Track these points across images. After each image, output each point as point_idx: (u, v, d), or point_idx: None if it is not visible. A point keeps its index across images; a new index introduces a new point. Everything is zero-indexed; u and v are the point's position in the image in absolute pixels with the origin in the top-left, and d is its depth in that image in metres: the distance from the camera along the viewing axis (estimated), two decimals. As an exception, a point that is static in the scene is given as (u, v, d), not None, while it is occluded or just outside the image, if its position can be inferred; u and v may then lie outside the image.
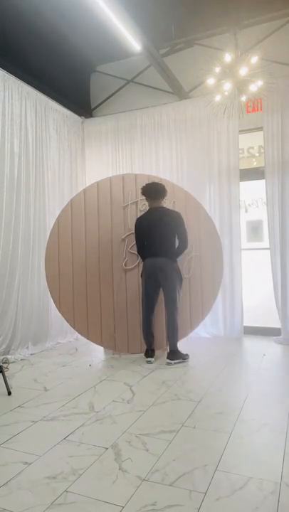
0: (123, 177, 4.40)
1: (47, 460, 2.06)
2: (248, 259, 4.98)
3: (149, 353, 3.90)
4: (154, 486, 1.81)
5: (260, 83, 3.64)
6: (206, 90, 4.19)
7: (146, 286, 3.92)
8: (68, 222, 4.20)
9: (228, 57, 3.55)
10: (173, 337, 3.83)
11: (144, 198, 4.13)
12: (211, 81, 3.71)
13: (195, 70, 4.43)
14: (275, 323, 4.64)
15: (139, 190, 4.11)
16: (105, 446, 2.19)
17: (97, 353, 4.24)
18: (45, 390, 3.15)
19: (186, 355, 3.86)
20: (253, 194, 5.26)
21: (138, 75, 5.49)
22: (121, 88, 5.62)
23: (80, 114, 5.55)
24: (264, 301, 4.80)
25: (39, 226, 4.60)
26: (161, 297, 3.97)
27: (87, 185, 5.04)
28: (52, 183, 4.88)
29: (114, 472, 1.93)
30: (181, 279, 3.92)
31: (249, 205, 5.37)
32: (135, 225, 4.01)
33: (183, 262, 4.17)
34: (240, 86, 3.68)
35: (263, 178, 4.67)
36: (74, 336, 4.82)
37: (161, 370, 3.61)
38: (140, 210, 4.25)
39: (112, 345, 4.14)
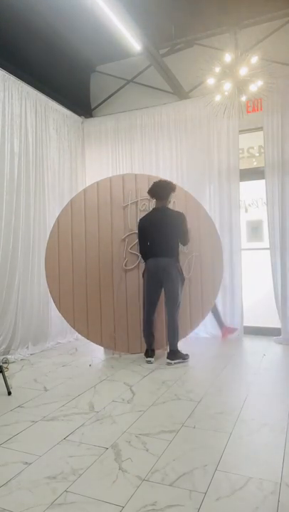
0: (123, 177, 4.40)
1: (47, 460, 2.06)
2: (248, 259, 4.98)
3: (149, 352, 3.89)
4: (154, 486, 1.81)
5: (260, 83, 3.65)
6: (206, 90, 4.19)
7: (149, 287, 3.91)
8: (68, 222, 4.20)
9: (228, 57, 3.56)
10: (173, 337, 3.83)
11: (144, 197, 4.13)
12: (211, 81, 3.72)
13: (195, 70, 4.42)
14: (275, 323, 4.64)
15: (139, 191, 4.10)
16: (105, 446, 2.19)
17: (97, 353, 4.24)
18: (45, 390, 3.15)
19: (186, 355, 3.86)
20: (253, 194, 5.26)
21: (138, 75, 5.49)
22: (121, 88, 5.62)
23: (80, 114, 5.55)
24: (264, 301, 4.80)
25: (39, 226, 4.60)
26: (162, 297, 3.97)
27: (87, 185, 5.04)
28: (52, 183, 4.88)
29: (114, 472, 1.93)
30: (183, 280, 3.92)
31: (249, 205, 5.37)
32: (138, 226, 4.00)
33: (183, 261, 4.17)
34: (240, 86, 3.68)
35: (263, 178, 4.67)
36: (74, 336, 4.82)
37: (161, 370, 3.61)
38: (140, 210, 4.25)
39: (112, 345, 4.14)
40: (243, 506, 1.65)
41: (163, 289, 3.90)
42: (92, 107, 5.82)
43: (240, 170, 4.80)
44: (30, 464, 2.03)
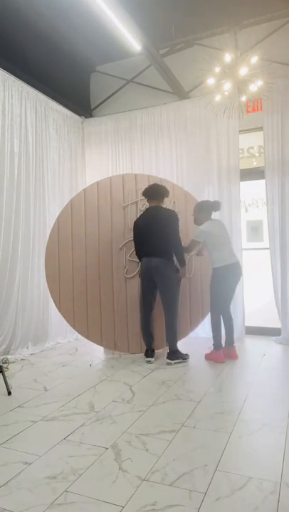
0: (123, 177, 4.40)
1: (47, 460, 2.06)
2: (248, 259, 4.98)
3: (149, 353, 3.90)
4: (154, 486, 1.81)
5: (260, 83, 3.64)
6: (206, 90, 4.19)
7: (143, 287, 3.94)
8: (68, 222, 4.20)
9: (228, 57, 3.56)
10: (172, 338, 3.83)
11: (144, 198, 4.12)
12: (211, 81, 3.71)
13: (195, 70, 4.42)
14: (275, 323, 4.64)
15: (139, 191, 4.10)
16: (105, 446, 2.19)
17: (97, 353, 4.24)
18: (45, 390, 3.15)
19: (186, 355, 3.86)
20: (253, 194, 5.26)
21: (138, 75, 5.49)
22: (121, 88, 5.62)
23: (80, 114, 5.55)
24: (264, 301, 4.80)
25: (39, 226, 4.60)
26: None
27: (87, 185, 5.04)
28: (52, 183, 4.88)
29: (114, 472, 1.93)
30: (179, 279, 3.90)
31: (249, 205, 5.37)
32: (133, 226, 4.01)
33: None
34: (240, 86, 3.68)
35: (263, 178, 4.67)
36: (74, 336, 4.82)
37: (161, 370, 3.61)
38: (140, 210, 4.25)
39: (112, 345, 4.14)
40: (243, 506, 1.65)
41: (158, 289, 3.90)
42: (92, 107, 5.82)
43: (240, 170, 4.79)
44: (30, 464, 2.03)
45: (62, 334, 4.82)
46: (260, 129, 4.69)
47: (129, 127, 5.33)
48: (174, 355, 3.79)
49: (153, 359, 3.86)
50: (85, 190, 4.38)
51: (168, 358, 3.79)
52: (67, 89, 5.28)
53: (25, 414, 2.67)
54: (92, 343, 4.18)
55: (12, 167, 4.23)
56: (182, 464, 1.98)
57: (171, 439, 2.26)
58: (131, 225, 4.16)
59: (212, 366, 3.68)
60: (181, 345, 3.93)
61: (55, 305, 4.16)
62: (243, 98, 3.83)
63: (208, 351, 3.95)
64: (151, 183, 4.09)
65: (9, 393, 3.01)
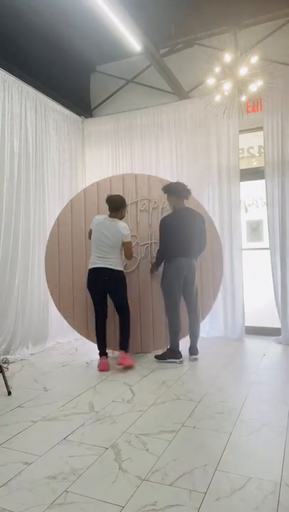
0: (123, 177, 4.40)
1: (47, 460, 2.06)
2: (248, 259, 4.98)
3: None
4: (154, 486, 1.82)
5: (260, 83, 3.64)
6: (206, 90, 4.19)
7: (176, 285, 3.83)
8: (68, 222, 4.20)
9: (228, 57, 3.56)
10: (198, 331, 3.98)
11: (144, 197, 4.12)
12: (211, 81, 3.71)
13: (195, 70, 4.43)
14: (275, 323, 4.64)
15: (139, 191, 4.09)
16: (105, 446, 2.20)
17: (97, 353, 4.23)
18: (45, 390, 3.15)
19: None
20: (253, 194, 5.26)
21: (138, 74, 5.49)
22: (121, 88, 5.62)
23: (79, 114, 5.55)
24: (264, 301, 4.80)
25: (39, 226, 4.60)
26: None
27: (87, 185, 5.04)
28: (52, 183, 4.88)
29: (114, 472, 1.93)
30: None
31: (249, 205, 5.37)
32: (165, 224, 3.87)
33: None
34: (240, 86, 3.68)
35: (263, 178, 4.67)
36: (74, 336, 4.82)
37: (161, 370, 3.61)
38: (140, 210, 4.26)
39: (112, 345, 4.13)
40: (242, 506, 1.65)
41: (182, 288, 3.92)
42: (92, 107, 5.82)
43: (240, 170, 4.79)
44: (30, 463, 2.03)
45: (62, 334, 4.82)
46: (260, 129, 4.69)
47: (129, 127, 5.33)
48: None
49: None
50: (85, 190, 4.38)
51: (193, 354, 3.90)
52: (67, 89, 5.28)
53: (25, 414, 2.67)
54: (92, 343, 4.18)
55: (12, 167, 4.23)
56: (182, 464, 1.98)
57: (171, 439, 2.26)
58: (131, 224, 4.16)
59: (212, 366, 3.68)
60: (181, 345, 3.92)
61: (55, 305, 4.16)
62: (243, 98, 3.83)
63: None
64: (174, 181, 4.13)
65: (9, 393, 3.01)
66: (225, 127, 4.78)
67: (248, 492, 1.75)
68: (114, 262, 3.72)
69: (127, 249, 3.77)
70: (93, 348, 4.29)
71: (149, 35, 4.04)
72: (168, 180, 4.44)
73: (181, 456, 2.06)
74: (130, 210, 4.27)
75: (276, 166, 4.54)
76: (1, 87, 4.12)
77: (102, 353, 3.81)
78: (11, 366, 3.77)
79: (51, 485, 1.84)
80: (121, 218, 3.81)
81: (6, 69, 4.18)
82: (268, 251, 4.63)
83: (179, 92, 4.98)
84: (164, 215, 4.05)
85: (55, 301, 4.14)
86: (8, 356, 3.97)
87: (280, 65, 4.52)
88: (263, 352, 4.12)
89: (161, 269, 3.98)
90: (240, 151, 5.00)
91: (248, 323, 4.83)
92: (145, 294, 4.22)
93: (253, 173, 5.02)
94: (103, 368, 3.66)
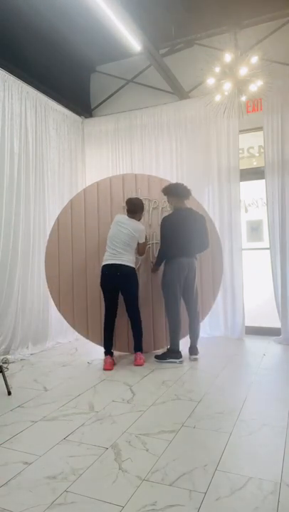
0: (123, 177, 4.40)
1: (47, 460, 2.06)
2: (248, 259, 4.98)
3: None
4: (154, 486, 1.81)
5: (260, 83, 3.64)
6: (206, 90, 4.19)
7: (176, 285, 3.83)
8: (68, 222, 4.20)
9: (228, 57, 3.56)
10: (198, 331, 3.99)
11: (144, 197, 4.11)
12: (210, 81, 3.72)
13: (195, 70, 4.44)
14: (275, 323, 4.64)
15: (139, 191, 4.09)
16: (105, 446, 2.20)
17: (97, 353, 4.24)
18: (45, 390, 3.15)
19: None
20: (253, 194, 5.26)
21: (138, 74, 5.49)
22: (121, 88, 5.62)
23: (79, 114, 5.55)
24: (264, 301, 4.80)
25: (39, 226, 4.60)
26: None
27: (87, 185, 5.04)
28: (52, 183, 4.88)
29: (114, 472, 1.93)
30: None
31: (249, 205, 5.37)
32: (166, 224, 3.87)
33: None
34: (240, 86, 3.68)
35: (263, 178, 4.67)
36: (74, 336, 4.82)
37: (161, 370, 3.61)
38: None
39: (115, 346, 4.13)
40: (242, 506, 1.65)
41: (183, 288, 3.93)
42: (92, 107, 5.82)
43: (240, 170, 4.80)
44: (30, 463, 2.03)
45: (62, 334, 4.81)
46: (260, 129, 4.69)
47: (129, 127, 5.33)
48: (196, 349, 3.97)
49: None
50: (85, 190, 4.38)
51: (193, 354, 3.91)
52: (67, 89, 5.28)
53: (25, 414, 2.67)
54: (92, 343, 4.18)
55: (12, 167, 4.23)
56: (182, 464, 1.98)
57: (171, 439, 2.26)
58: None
59: (212, 366, 3.68)
60: (181, 345, 3.92)
61: (55, 305, 4.16)
62: (243, 98, 3.84)
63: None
64: (174, 181, 4.15)
65: (9, 393, 3.01)
66: (225, 127, 4.78)
67: (248, 492, 1.75)
68: (127, 259, 3.77)
69: (141, 248, 3.91)
70: (93, 348, 4.30)
71: (149, 35, 4.04)
72: (168, 180, 4.44)
73: (181, 456, 2.06)
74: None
75: (276, 166, 4.54)
76: (1, 87, 4.12)
77: (108, 352, 3.82)
78: (11, 366, 3.76)
79: (51, 485, 1.84)
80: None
81: (6, 69, 4.18)
82: (268, 251, 4.63)
83: (179, 92, 4.98)
84: (165, 215, 4.06)
85: (55, 301, 4.14)
86: (8, 356, 3.97)
87: (280, 65, 4.52)
88: (262, 352, 4.12)
89: (161, 268, 3.98)
90: (240, 151, 5.00)
91: (248, 323, 4.83)
92: (145, 294, 4.22)
93: (253, 173, 5.02)
94: (108, 366, 3.67)
